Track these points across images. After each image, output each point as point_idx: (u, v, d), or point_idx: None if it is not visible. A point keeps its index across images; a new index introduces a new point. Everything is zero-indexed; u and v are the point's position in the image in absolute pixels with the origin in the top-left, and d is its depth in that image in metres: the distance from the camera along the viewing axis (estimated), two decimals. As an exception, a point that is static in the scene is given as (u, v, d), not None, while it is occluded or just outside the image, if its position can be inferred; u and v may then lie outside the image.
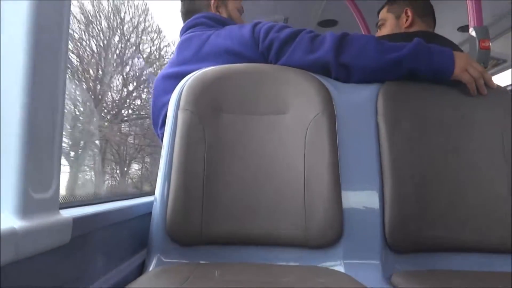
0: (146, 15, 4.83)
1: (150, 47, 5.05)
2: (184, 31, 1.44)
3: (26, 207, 0.55)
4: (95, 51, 4.23)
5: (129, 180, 4.73)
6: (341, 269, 0.99)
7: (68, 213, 0.67)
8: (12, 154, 0.54)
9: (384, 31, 1.71)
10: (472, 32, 1.54)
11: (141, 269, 1.01)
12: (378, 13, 1.78)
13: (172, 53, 1.60)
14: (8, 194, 0.54)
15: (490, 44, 1.50)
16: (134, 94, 4.75)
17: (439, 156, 1.10)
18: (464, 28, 2.61)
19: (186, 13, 1.51)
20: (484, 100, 1.16)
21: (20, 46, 0.56)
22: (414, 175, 1.07)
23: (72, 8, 0.67)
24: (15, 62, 0.55)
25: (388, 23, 1.71)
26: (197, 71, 1.17)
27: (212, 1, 1.49)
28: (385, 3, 1.76)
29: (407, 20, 1.64)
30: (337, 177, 1.05)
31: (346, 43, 1.16)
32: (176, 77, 1.24)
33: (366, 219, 1.04)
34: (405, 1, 1.67)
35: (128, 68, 4.62)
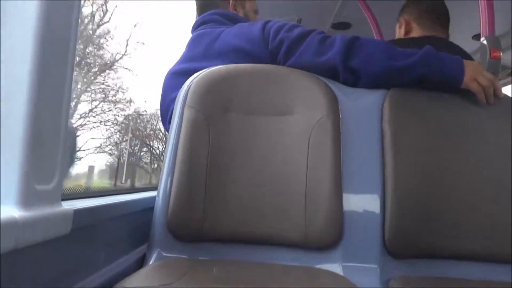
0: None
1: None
2: (196, 27, 1.43)
3: (28, 198, 0.57)
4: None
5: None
6: (339, 271, 0.99)
7: (70, 205, 0.69)
8: (16, 146, 0.56)
9: None
10: (484, 41, 1.52)
11: (141, 263, 1.02)
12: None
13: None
14: (11, 185, 0.55)
15: (501, 54, 1.48)
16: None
17: (442, 164, 1.09)
18: (479, 37, 2.59)
19: (202, 7, 1.51)
20: (491, 109, 1.15)
21: (27, 42, 0.57)
22: (416, 181, 1.06)
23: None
24: (21, 57, 0.57)
25: (396, 34, 1.73)
26: (205, 69, 1.18)
27: (231, 0, 1.50)
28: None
29: (404, 28, 1.64)
30: (339, 180, 1.05)
31: (355, 47, 1.15)
32: (185, 74, 1.24)
33: (366, 223, 1.04)
34: (402, 10, 1.67)
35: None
